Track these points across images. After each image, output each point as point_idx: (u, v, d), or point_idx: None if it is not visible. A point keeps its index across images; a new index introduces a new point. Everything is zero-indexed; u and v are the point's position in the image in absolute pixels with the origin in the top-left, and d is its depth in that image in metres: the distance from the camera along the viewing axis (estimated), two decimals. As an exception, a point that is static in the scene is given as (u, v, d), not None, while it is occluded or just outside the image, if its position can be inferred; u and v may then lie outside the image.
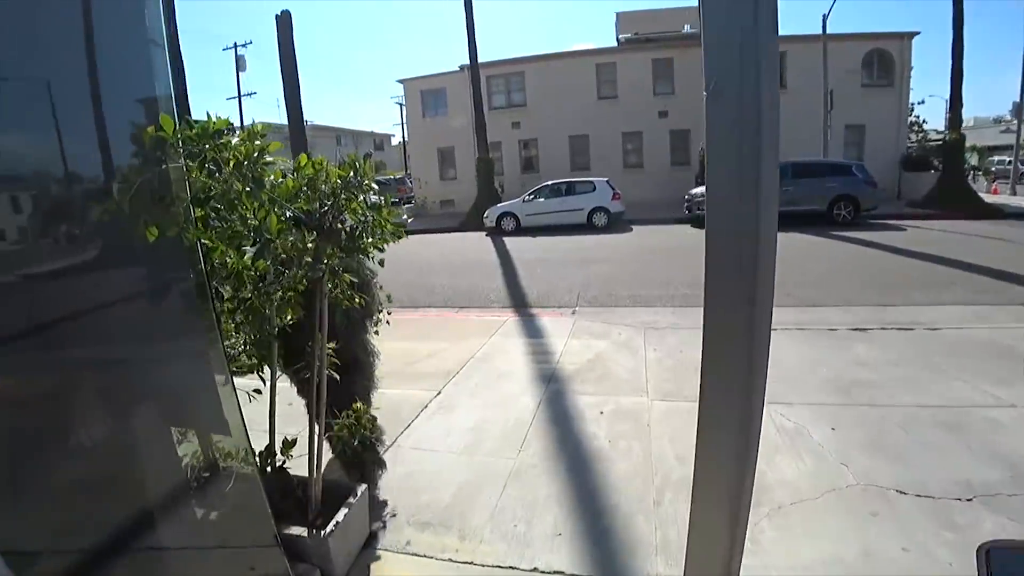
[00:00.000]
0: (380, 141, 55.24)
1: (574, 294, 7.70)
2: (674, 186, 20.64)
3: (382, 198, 2.44)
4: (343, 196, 2.23)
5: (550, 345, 5.34)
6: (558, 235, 14.95)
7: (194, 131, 1.75)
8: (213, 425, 1.96)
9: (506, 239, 15.12)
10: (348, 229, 2.29)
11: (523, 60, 24.18)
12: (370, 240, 2.36)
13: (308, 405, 2.60)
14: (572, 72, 23.44)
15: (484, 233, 16.59)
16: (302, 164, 2.20)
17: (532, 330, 5.99)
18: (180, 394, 1.93)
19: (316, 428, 2.49)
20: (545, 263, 10.62)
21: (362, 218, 2.30)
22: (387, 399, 4.32)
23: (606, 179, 16.67)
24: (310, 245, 2.21)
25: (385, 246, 2.49)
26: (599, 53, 24.06)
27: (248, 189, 1.85)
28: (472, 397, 4.18)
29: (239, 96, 29.49)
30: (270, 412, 2.44)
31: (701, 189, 15.05)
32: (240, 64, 28.86)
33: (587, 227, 15.79)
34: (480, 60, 20.27)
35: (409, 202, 26.99)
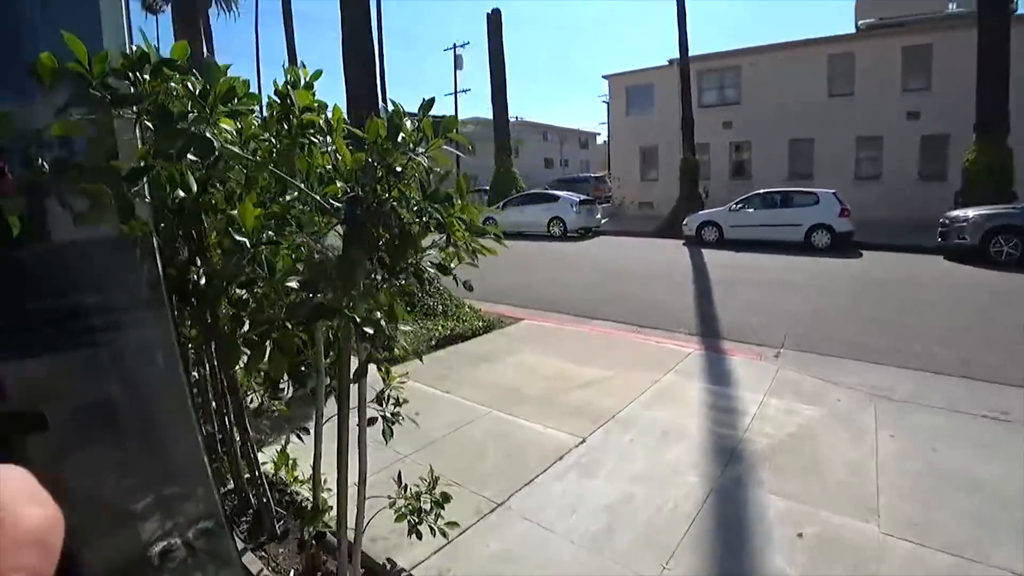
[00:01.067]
0: (585, 139, 55.37)
1: (780, 331, 6.18)
2: (920, 204, 16.52)
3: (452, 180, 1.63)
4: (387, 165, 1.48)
5: (739, 400, 4.16)
6: (767, 252, 12.80)
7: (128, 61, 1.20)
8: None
9: (705, 251, 13.47)
10: (397, 230, 1.50)
11: (740, 53, 21.56)
12: (433, 253, 1.61)
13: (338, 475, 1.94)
14: (798, 65, 20.16)
15: (682, 241, 15.08)
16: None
17: (719, 373, 4.83)
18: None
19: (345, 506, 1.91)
20: (748, 285, 8.98)
21: (416, 212, 1.51)
22: (519, 435, 3.71)
23: (833, 191, 13.82)
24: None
25: (474, 259, 1.69)
26: (833, 42, 20.30)
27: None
28: (622, 458, 3.32)
29: (455, 92, 31.87)
30: (314, 464, 1.99)
31: (966, 211, 11.46)
32: (458, 63, 31.13)
33: (804, 247, 13.25)
34: (691, 53, 18.51)
35: (606, 202, 26.26)
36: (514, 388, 4.63)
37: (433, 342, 6.04)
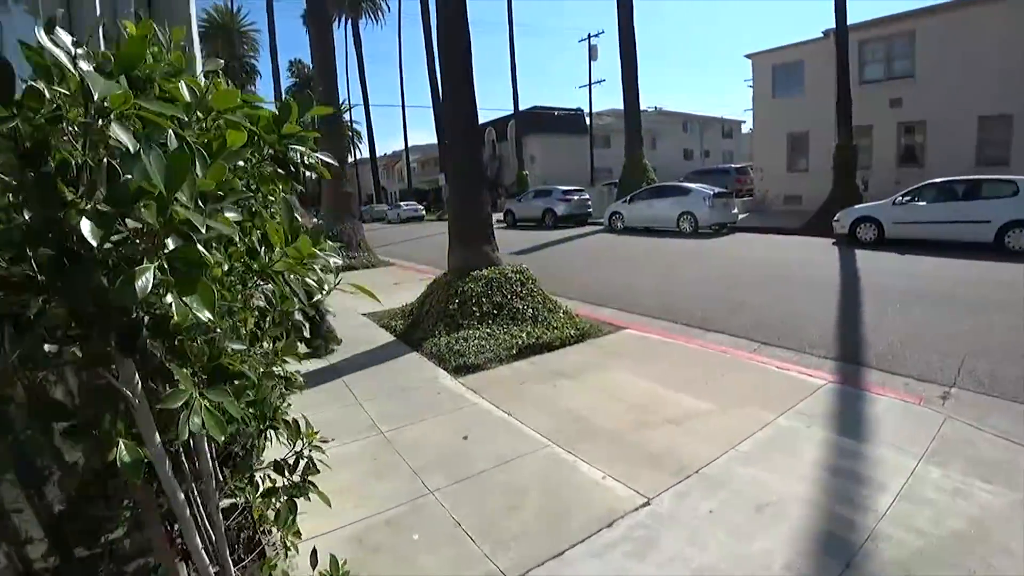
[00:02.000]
0: (729, 128, 51.00)
1: (953, 362, 4.68)
2: None
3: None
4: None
5: (879, 465, 3.05)
6: (941, 256, 10.17)
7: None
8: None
9: (860, 252, 11.22)
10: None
11: (913, 14, 17.69)
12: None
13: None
14: (993, 24, 15.98)
15: (832, 241, 12.76)
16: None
17: (857, 419, 3.68)
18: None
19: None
20: (911, 298, 7.13)
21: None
22: (571, 483, 3.03)
23: (1041, 179, 10.56)
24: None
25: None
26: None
27: None
28: (692, 538, 2.50)
29: (589, 84, 30.85)
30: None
31: None
32: (592, 53, 30.01)
33: (995, 249, 10.26)
34: (850, 21, 15.68)
35: (749, 195, 23.66)
36: (587, 416, 3.96)
37: (514, 351, 5.54)
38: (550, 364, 5.25)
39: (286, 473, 2.41)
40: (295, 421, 2.14)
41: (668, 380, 4.55)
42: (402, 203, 37.63)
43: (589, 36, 30.51)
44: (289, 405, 2.43)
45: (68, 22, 2.95)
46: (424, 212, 35.35)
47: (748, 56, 22.80)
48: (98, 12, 2.86)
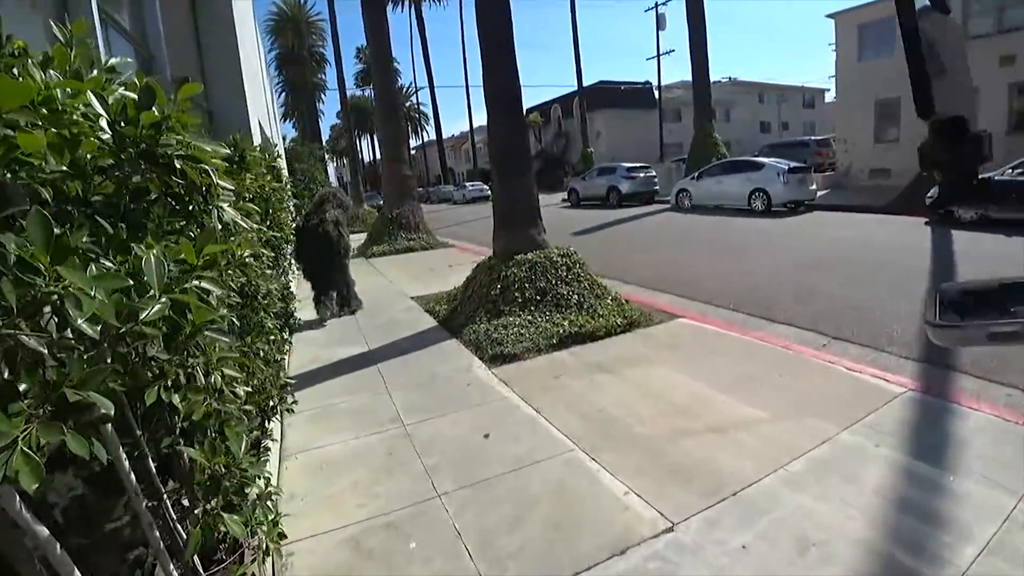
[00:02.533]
0: (811, 97, 46.93)
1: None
2: None
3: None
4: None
5: (961, 503, 2.50)
6: None
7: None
8: None
9: (957, 234, 9.70)
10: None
11: None
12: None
13: None
14: None
15: (924, 220, 11.30)
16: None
17: (937, 441, 3.08)
18: None
19: None
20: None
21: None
22: (587, 496, 2.73)
23: None
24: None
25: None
26: None
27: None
28: (718, 578, 2.15)
29: (658, 55, 29.23)
30: None
31: None
32: (660, 22, 28.33)
33: None
34: None
35: (831, 169, 21.68)
36: (620, 418, 3.61)
37: (554, 340, 5.24)
38: (591, 355, 4.90)
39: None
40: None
41: (718, 379, 4.10)
42: (467, 184, 37.79)
43: (656, 4, 28.80)
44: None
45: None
46: (489, 192, 35.29)
47: (830, 16, 20.67)
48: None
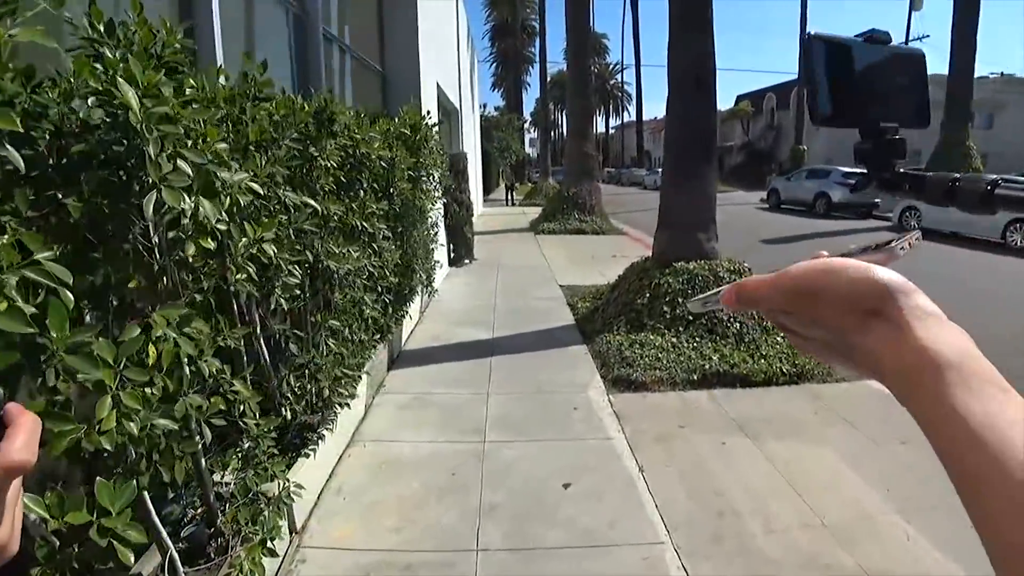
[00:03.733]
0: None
1: None
2: None
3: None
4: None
5: None
6: None
7: None
8: None
9: None
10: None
11: None
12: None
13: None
14: None
15: None
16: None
17: None
18: None
19: None
20: None
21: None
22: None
23: None
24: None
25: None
26: None
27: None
28: None
29: (906, 39, 23.63)
30: None
31: None
32: (914, 3, 22.69)
33: None
34: None
35: None
36: (742, 514, 2.69)
37: (696, 375, 4.31)
38: (735, 406, 3.90)
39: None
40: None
41: (910, 491, 2.86)
42: (660, 168, 35.73)
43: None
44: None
45: None
46: (683, 179, 32.92)
47: None
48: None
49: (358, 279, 3.31)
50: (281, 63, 3.94)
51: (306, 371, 2.74)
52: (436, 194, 6.43)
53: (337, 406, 2.79)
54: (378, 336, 4.05)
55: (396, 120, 3.97)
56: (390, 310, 4.45)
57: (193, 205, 1.52)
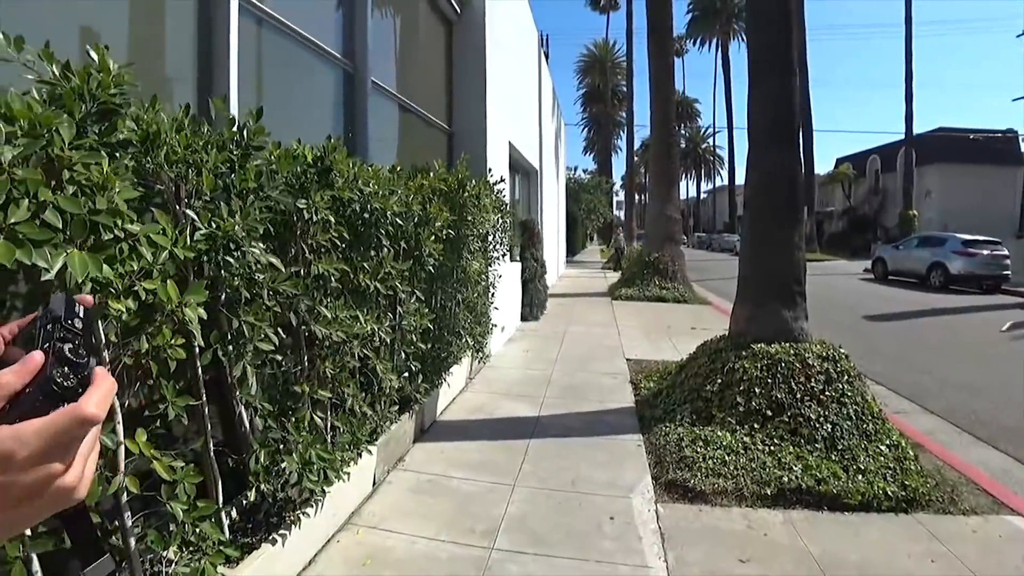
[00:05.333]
0: None
1: None
2: None
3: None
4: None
5: None
6: None
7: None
8: None
9: None
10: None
11: None
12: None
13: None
14: None
15: None
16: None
17: None
18: None
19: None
20: None
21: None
22: None
23: None
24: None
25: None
26: None
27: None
28: None
29: None
30: None
31: None
32: None
33: None
34: None
35: None
36: None
37: (771, 488, 3.50)
38: (819, 539, 3.04)
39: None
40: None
41: None
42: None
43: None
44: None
45: None
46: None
47: None
48: None
49: (366, 346, 2.99)
50: (322, 119, 3.88)
51: (280, 447, 2.39)
52: (495, 254, 6.16)
53: (309, 491, 2.39)
54: (396, 408, 3.68)
55: (432, 175, 3.72)
56: (419, 379, 4.08)
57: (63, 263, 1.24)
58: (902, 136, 29.30)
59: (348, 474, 2.92)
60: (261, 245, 2.07)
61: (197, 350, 1.97)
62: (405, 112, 5.31)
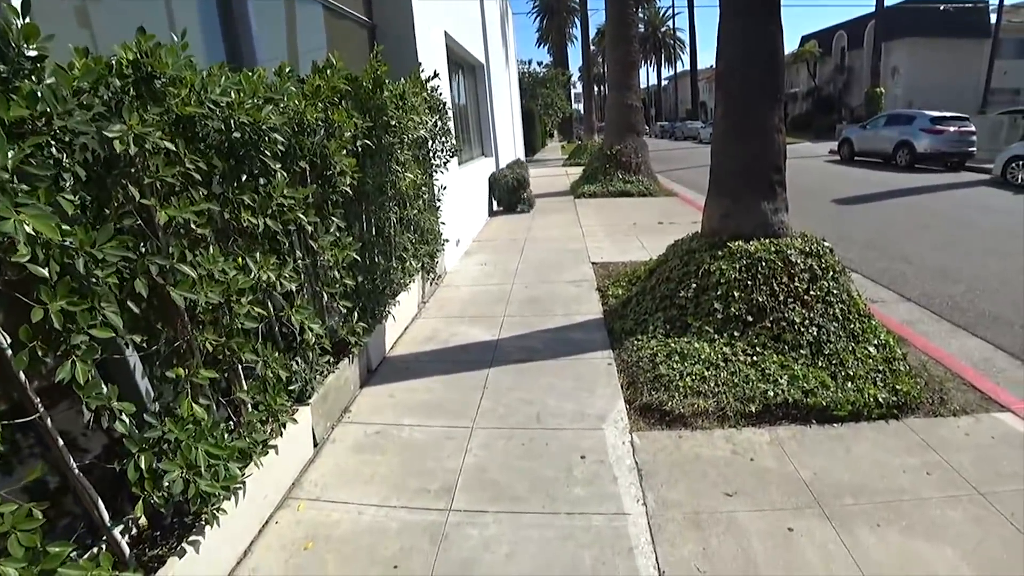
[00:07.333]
0: None
1: None
2: None
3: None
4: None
5: None
6: None
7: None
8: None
9: None
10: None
11: None
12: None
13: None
14: None
15: None
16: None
17: None
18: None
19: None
20: None
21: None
22: None
23: None
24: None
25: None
26: None
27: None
28: None
29: None
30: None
31: None
32: None
33: None
34: None
35: None
36: None
37: (755, 404, 3.17)
38: (810, 458, 2.76)
39: None
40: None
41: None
42: (715, 118, 32.93)
43: None
44: None
45: None
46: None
47: None
48: None
49: (271, 297, 2.37)
50: (185, 24, 2.95)
51: (161, 447, 1.85)
52: (437, 162, 5.40)
53: (207, 495, 1.88)
54: (328, 358, 3.14)
55: (331, 73, 2.90)
56: (355, 318, 3.51)
57: None
58: (872, 8, 27.80)
59: (268, 451, 2.43)
60: (69, 198, 1.40)
61: (9, 352, 1.42)
62: (308, 4, 4.27)
